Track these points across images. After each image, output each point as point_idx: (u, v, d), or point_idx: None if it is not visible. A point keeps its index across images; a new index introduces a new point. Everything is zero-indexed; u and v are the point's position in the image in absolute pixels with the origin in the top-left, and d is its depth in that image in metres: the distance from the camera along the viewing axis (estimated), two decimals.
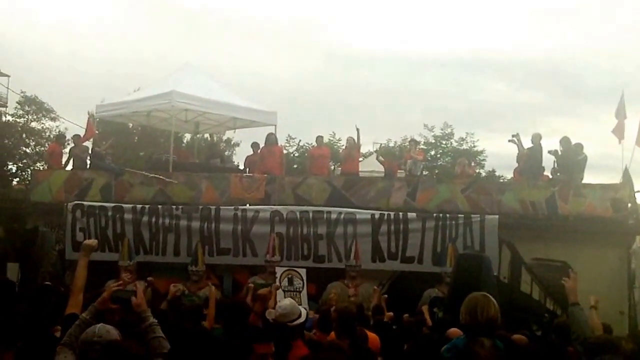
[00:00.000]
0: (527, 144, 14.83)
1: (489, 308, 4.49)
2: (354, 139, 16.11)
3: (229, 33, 77.33)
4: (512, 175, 16.65)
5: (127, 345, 3.97)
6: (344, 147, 17.22)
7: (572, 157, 14.43)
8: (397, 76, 67.69)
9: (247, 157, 16.97)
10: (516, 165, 15.59)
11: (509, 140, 15.02)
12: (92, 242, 6.00)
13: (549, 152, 14.71)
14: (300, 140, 36.48)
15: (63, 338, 4.37)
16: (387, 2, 77.39)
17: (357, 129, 15.84)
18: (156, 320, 4.45)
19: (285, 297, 8.86)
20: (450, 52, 72.97)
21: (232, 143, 38.18)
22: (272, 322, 5.59)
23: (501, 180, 28.27)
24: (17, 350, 4.43)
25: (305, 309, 6.17)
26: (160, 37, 70.51)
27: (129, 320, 4.73)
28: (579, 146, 14.62)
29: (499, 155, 55.46)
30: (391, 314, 8.60)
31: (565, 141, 14.68)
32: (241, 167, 17.70)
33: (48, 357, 4.26)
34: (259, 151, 15.93)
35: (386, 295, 9.84)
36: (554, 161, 14.89)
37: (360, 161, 25.95)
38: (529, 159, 14.55)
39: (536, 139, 14.57)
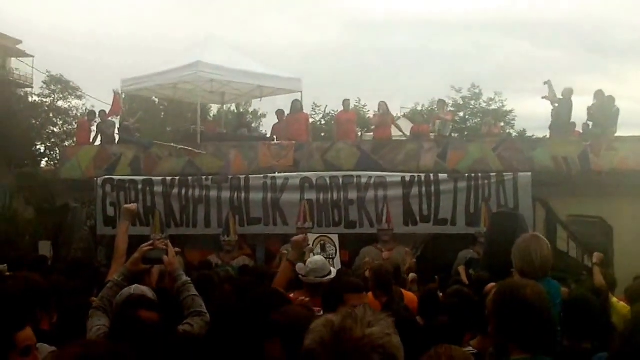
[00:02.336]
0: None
1: (542, 249, 4.41)
2: (386, 104, 15.88)
3: (245, 4, 77.12)
4: (543, 135, 16.31)
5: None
6: (375, 113, 16.88)
7: (606, 110, 14.13)
8: (420, 39, 67.30)
9: (274, 125, 16.83)
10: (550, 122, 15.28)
11: (543, 97, 14.67)
12: (132, 206, 5.89)
13: (588, 108, 14.44)
14: (326, 106, 36.18)
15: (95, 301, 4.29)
16: None
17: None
18: (189, 279, 4.36)
19: None
20: (470, 13, 71.98)
21: (258, 115, 38.11)
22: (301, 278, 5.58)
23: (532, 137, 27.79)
24: (55, 316, 4.38)
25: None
26: (179, 11, 70.48)
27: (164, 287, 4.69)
28: (611, 99, 14.32)
29: (526, 117, 54.91)
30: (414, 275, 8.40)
31: (599, 94, 14.39)
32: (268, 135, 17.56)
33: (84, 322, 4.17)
34: (284, 118, 15.79)
35: (414, 260, 9.76)
36: (588, 115, 14.61)
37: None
38: (558, 113, 14.26)
39: (567, 93, 14.26)
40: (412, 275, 8.37)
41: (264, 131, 26.55)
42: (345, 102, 16.18)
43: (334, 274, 5.75)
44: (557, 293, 4.38)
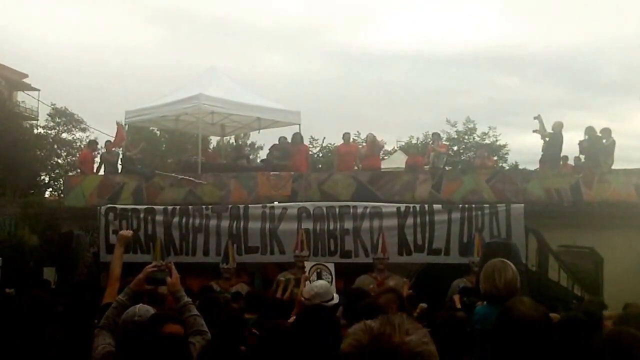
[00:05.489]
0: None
1: (506, 272, 4.57)
2: (374, 135, 16.24)
3: (243, 41, 78.05)
4: (534, 168, 16.60)
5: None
6: (364, 144, 17.35)
7: (598, 144, 14.47)
8: (414, 75, 67.80)
9: None
10: (540, 155, 15.60)
11: (534, 131, 15.04)
12: (128, 232, 6.16)
13: (580, 142, 14.76)
14: (324, 138, 36.62)
15: (100, 321, 4.43)
16: (402, 2, 77.73)
17: None
18: (190, 300, 4.55)
19: None
20: (461, 49, 72.78)
21: (256, 147, 38.50)
22: (305, 303, 5.65)
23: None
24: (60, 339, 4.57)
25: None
26: (180, 47, 71.36)
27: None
28: (607, 131, 14.66)
29: (518, 151, 55.30)
30: (424, 305, 8.47)
31: (590, 130, 14.76)
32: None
33: (89, 343, 4.33)
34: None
35: (411, 291, 9.91)
36: (580, 150, 14.94)
37: (385, 159, 26.24)
38: (549, 147, 14.61)
39: (557, 127, 14.63)
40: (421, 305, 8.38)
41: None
42: (345, 135, 16.55)
43: (336, 300, 5.84)
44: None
